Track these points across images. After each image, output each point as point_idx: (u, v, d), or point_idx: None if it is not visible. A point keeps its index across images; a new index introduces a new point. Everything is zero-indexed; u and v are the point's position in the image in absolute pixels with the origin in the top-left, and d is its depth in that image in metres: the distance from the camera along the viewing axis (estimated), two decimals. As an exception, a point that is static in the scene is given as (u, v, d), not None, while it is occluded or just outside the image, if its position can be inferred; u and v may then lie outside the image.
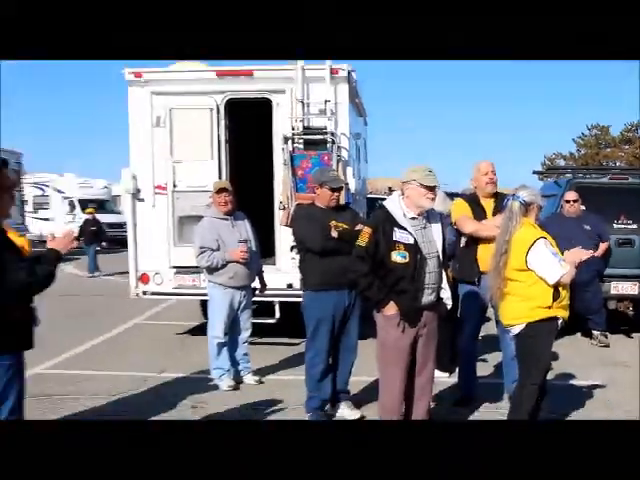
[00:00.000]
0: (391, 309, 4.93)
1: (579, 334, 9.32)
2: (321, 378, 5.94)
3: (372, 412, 5.83)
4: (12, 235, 4.29)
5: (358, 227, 5.75)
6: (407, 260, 4.88)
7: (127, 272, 9.81)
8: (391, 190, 7.12)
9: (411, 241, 4.90)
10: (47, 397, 6.64)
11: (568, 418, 5.86)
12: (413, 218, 4.97)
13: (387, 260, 4.90)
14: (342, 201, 8.17)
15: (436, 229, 5.11)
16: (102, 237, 21.14)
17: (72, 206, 29.76)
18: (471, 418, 5.98)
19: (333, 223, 5.83)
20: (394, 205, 5.03)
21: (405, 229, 4.91)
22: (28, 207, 25.27)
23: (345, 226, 5.85)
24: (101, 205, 30.59)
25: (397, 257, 4.87)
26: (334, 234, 5.80)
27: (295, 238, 6.23)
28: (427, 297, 5.02)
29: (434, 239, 5.07)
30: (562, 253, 5.02)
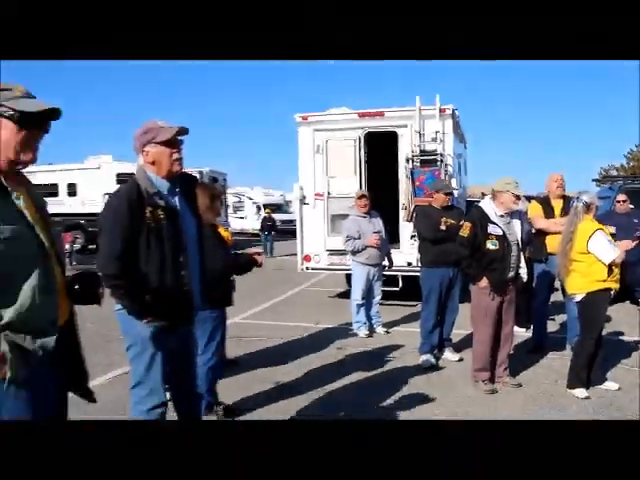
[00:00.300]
0: (484, 282, 4.93)
1: (628, 302, 8.74)
2: (431, 330, 5.91)
3: (467, 356, 5.76)
4: (221, 229, 4.54)
5: (462, 222, 5.74)
6: (497, 247, 4.89)
7: (296, 254, 9.96)
8: (483, 195, 6.89)
9: (500, 233, 4.91)
10: (240, 338, 6.83)
11: (617, 366, 5.57)
12: (501, 216, 4.99)
13: (483, 247, 4.91)
14: (448, 203, 8.12)
15: (516, 223, 5.12)
16: (275, 229, 21.23)
17: (258, 208, 30.25)
18: (538, 365, 5.79)
19: (443, 219, 5.87)
20: (487, 206, 5.05)
21: (496, 224, 4.92)
22: (230, 210, 26.13)
23: (452, 221, 5.86)
24: (278, 207, 31.24)
25: (490, 245, 4.89)
26: (443, 227, 5.83)
27: (416, 229, 6.25)
28: (510, 273, 4.98)
29: (515, 231, 5.06)
30: (615, 240, 4.95)
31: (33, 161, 1.98)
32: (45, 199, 2.19)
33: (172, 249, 2.93)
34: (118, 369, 5.42)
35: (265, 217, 21.43)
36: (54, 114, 1.96)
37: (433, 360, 5.82)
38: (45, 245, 1.96)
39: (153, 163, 2.99)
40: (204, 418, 4.14)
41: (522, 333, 6.72)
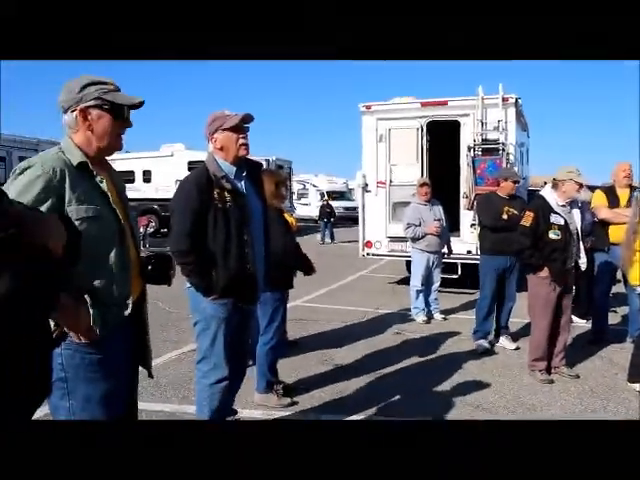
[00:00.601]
0: (545, 272, 4.88)
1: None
2: (485, 317, 5.93)
3: (524, 345, 5.74)
4: (286, 215, 4.71)
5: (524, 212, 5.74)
6: (560, 237, 4.84)
7: (357, 240, 10.03)
8: (546, 184, 6.74)
9: (562, 222, 4.86)
10: (301, 321, 7.00)
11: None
12: (563, 205, 4.90)
13: (545, 236, 4.85)
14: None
15: (576, 213, 5.07)
16: (334, 216, 20.95)
17: (322, 195, 30.27)
18: (597, 357, 5.70)
19: (506, 209, 5.84)
20: (549, 195, 4.97)
21: (558, 213, 4.86)
22: (294, 197, 26.35)
23: (514, 211, 5.81)
24: (341, 195, 31.25)
25: (553, 235, 4.84)
26: (505, 217, 5.80)
27: (477, 216, 6.25)
28: (570, 263, 4.91)
29: (574, 220, 5.00)
30: None
31: (120, 149, 2.21)
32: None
33: (237, 229, 3.15)
34: (186, 346, 5.74)
35: (323, 205, 21.28)
36: (139, 106, 2.17)
37: (487, 345, 5.85)
38: (124, 226, 2.15)
39: (221, 149, 3.23)
40: (263, 396, 4.37)
41: (582, 324, 6.61)
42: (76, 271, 1.95)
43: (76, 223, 1.86)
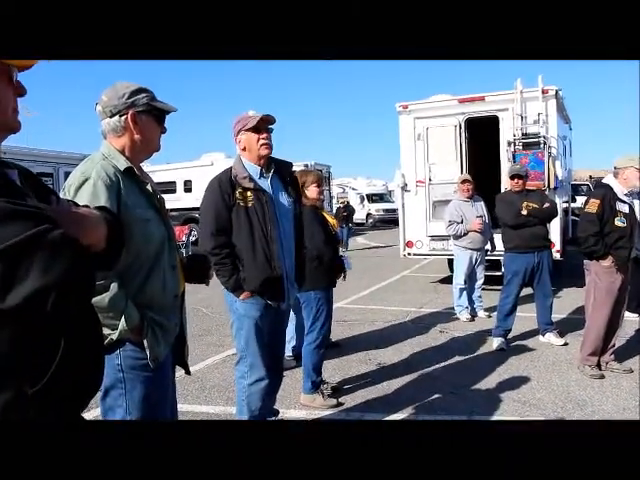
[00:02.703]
0: (608, 261, 4.77)
1: None
2: (508, 314, 5.83)
3: (571, 340, 5.61)
4: (327, 216, 4.74)
5: (545, 205, 5.69)
6: (625, 224, 4.72)
7: (394, 243, 10.07)
8: (591, 178, 6.51)
9: (627, 210, 4.76)
10: (344, 322, 7.03)
11: None
12: (626, 194, 4.81)
13: (611, 224, 4.74)
14: (552, 186, 7.94)
15: (637, 203, 4.95)
16: (351, 220, 19.59)
17: (362, 199, 30.34)
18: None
19: (525, 204, 5.76)
20: (613, 183, 4.87)
21: (624, 201, 4.77)
22: (334, 200, 26.37)
23: (534, 205, 5.75)
24: (381, 197, 31.18)
25: (619, 222, 4.73)
26: (524, 212, 5.71)
27: (498, 217, 6.13)
28: (633, 253, 4.84)
29: (636, 210, 4.90)
30: None
31: (158, 151, 2.31)
32: (165, 195, 2.49)
33: (261, 227, 3.24)
34: (230, 350, 5.82)
35: (339, 208, 19.74)
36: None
37: (504, 345, 5.76)
38: (169, 226, 2.24)
39: (244, 149, 3.35)
40: (309, 396, 4.40)
41: (633, 318, 6.40)
42: (132, 273, 2.04)
43: (131, 227, 1.95)
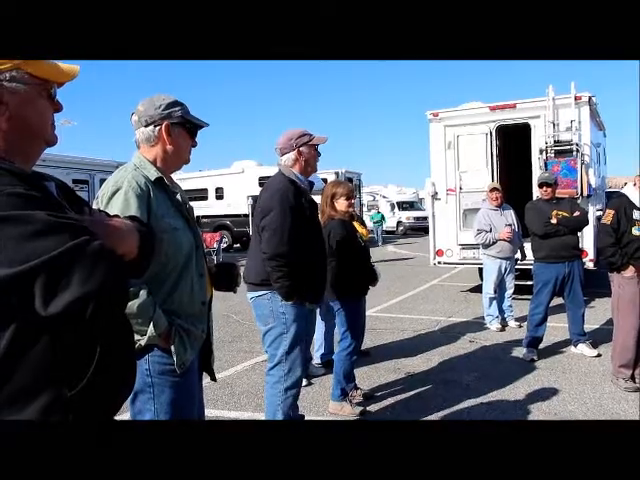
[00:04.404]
0: (630, 271, 4.68)
1: None
2: (538, 324, 5.73)
3: (604, 351, 5.51)
4: (357, 225, 4.77)
5: (576, 214, 5.61)
6: None
7: (424, 252, 10.00)
8: (625, 184, 6.44)
9: None
10: (372, 330, 6.96)
11: None
12: None
13: (628, 234, 4.65)
14: (585, 193, 7.82)
15: None
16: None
17: (392, 206, 30.23)
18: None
19: (554, 212, 5.67)
20: (631, 192, 4.81)
21: None
22: (364, 208, 26.35)
23: (564, 213, 5.67)
24: (411, 205, 31.03)
25: (636, 231, 4.63)
26: (553, 221, 5.62)
27: (528, 226, 6.04)
28: None
29: None
30: None
31: (188, 163, 2.39)
32: (196, 203, 2.55)
33: (313, 237, 3.43)
34: (259, 357, 5.87)
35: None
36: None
37: (535, 355, 5.67)
38: (199, 235, 2.29)
39: (306, 161, 3.47)
40: (337, 404, 4.40)
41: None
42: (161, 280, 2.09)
43: (161, 236, 1.98)
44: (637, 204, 4.70)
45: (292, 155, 3.44)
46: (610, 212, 4.76)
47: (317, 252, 3.45)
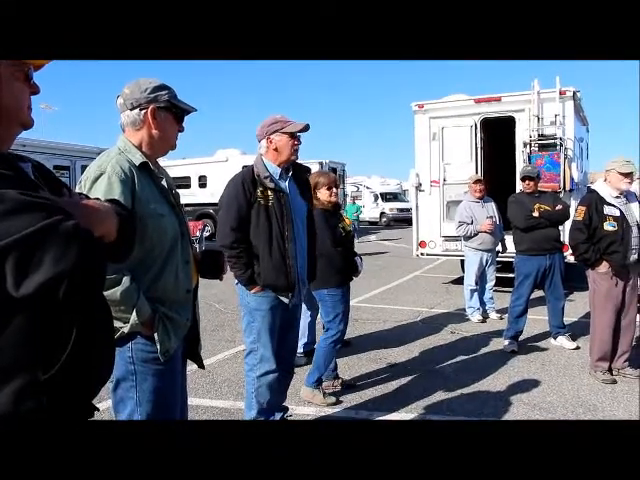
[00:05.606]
0: (604, 267, 4.72)
1: None
2: (519, 316, 5.79)
3: (583, 344, 5.57)
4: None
5: (558, 207, 5.66)
6: (616, 228, 4.65)
7: (407, 243, 10.00)
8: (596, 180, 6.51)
9: (618, 214, 4.68)
10: (355, 321, 6.98)
11: None
12: (616, 197, 4.74)
13: (600, 230, 4.69)
14: (567, 188, 7.89)
15: (634, 206, 4.83)
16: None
17: (376, 197, 30.31)
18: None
19: (536, 205, 5.72)
20: (601, 188, 4.82)
21: (613, 205, 4.69)
22: (348, 199, 26.33)
23: (546, 207, 5.73)
24: (394, 196, 31.10)
25: (608, 227, 4.67)
26: (535, 214, 5.67)
27: (509, 219, 6.08)
28: (631, 257, 4.72)
29: (632, 213, 4.78)
30: None
31: (174, 149, 2.32)
32: (179, 190, 2.50)
33: (278, 225, 3.32)
34: (241, 345, 5.83)
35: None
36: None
37: (515, 346, 5.73)
38: (183, 221, 2.25)
39: (276, 150, 3.38)
40: (309, 391, 4.39)
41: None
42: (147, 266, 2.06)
43: (145, 221, 1.97)
44: (607, 199, 4.73)
45: (264, 143, 3.41)
46: (582, 209, 4.79)
47: (282, 242, 3.34)
